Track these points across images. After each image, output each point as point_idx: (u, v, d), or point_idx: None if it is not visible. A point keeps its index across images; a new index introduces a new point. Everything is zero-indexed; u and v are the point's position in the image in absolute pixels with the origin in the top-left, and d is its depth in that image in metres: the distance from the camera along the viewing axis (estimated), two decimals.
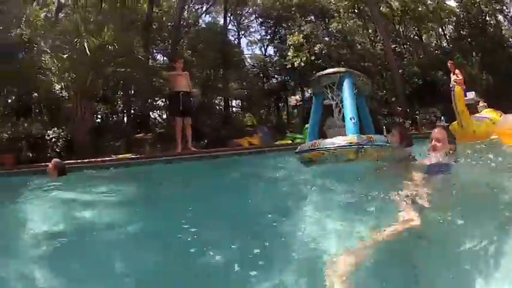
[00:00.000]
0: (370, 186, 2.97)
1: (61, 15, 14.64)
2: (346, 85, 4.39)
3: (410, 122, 15.52)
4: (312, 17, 21.26)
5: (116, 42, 9.96)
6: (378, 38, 21.26)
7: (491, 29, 20.82)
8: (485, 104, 9.05)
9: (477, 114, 5.88)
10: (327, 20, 21.19)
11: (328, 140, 4.06)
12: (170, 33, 18.62)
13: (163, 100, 17.24)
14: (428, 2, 21.69)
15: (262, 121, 19.60)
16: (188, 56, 18.17)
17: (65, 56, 10.39)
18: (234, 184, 4.53)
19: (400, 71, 19.04)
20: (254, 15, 23.46)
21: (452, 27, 22.61)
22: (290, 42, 18.68)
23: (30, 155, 10.43)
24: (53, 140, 10.76)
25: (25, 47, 12.50)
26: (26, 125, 11.79)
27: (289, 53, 18.36)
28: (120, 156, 8.95)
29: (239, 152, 9.05)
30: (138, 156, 8.95)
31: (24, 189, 4.63)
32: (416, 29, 23.02)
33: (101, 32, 9.89)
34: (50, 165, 5.39)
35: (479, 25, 20.74)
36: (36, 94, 13.54)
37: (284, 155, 6.31)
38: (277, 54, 21.31)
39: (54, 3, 15.80)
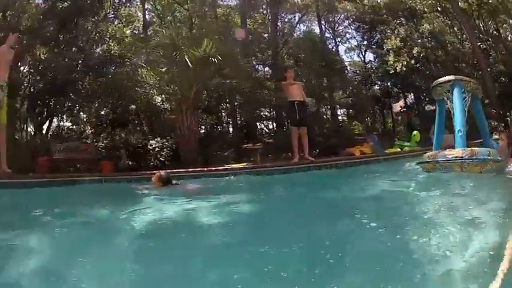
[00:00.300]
0: (481, 196, 3.11)
1: (149, 32, 15.60)
2: (456, 94, 4.58)
3: (503, 124, 14.25)
4: (403, 19, 20.09)
5: (219, 55, 9.70)
6: (464, 36, 19.39)
7: None
8: None
9: None
10: (415, 20, 19.84)
11: (441, 153, 4.42)
12: (269, 44, 18.55)
13: (270, 110, 17.39)
14: None
15: (369, 129, 19.03)
16: (290, 66, 17.72)
17: (163, 69, 10.73)
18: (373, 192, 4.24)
19: (488, 69, 17.14)
20: (347, 22, 22.74)
21: None
22: (388, 47, 17.82)
23: (130, 163, 10.85)
24: (156, 149, 11.12)
25: (116, 62, 13.15)
26: (123, 135, 12.49)
27: (389, 58, 17.38)
28: (236, 166, 8.63)
29: (356, 161, 8.70)
30: (254, 165, 8.61)
31: (132, 195, 4.65)
32: (493, 23, 20.22)
33: (200, 45, 9.67)
34: (154, 178, 5.36)
35: None
36: (133, 106, 14.10)
37: (400, 163, 6.49)
38: (377, 60, 20.39)
39: (138, 20, 17.10)
